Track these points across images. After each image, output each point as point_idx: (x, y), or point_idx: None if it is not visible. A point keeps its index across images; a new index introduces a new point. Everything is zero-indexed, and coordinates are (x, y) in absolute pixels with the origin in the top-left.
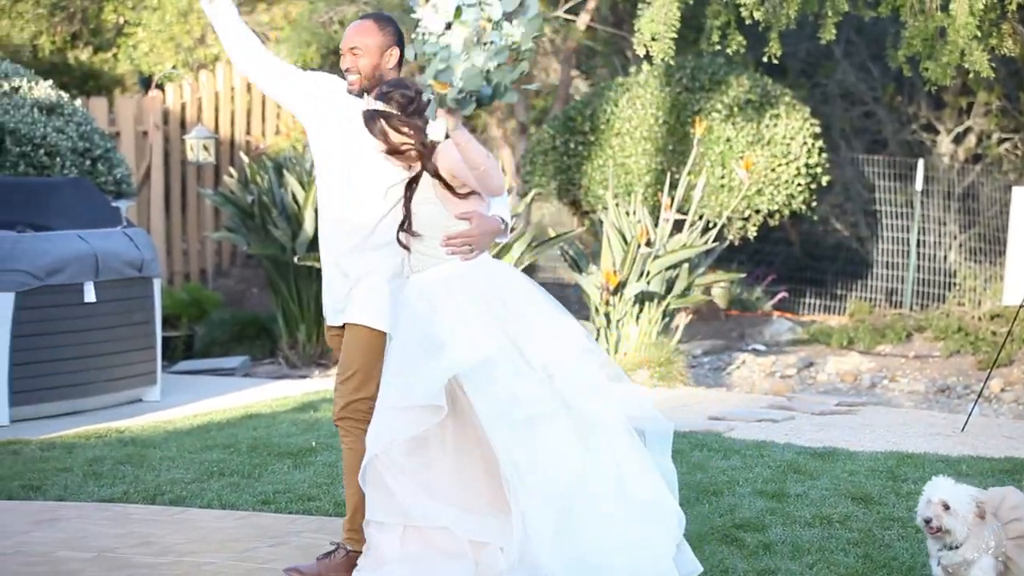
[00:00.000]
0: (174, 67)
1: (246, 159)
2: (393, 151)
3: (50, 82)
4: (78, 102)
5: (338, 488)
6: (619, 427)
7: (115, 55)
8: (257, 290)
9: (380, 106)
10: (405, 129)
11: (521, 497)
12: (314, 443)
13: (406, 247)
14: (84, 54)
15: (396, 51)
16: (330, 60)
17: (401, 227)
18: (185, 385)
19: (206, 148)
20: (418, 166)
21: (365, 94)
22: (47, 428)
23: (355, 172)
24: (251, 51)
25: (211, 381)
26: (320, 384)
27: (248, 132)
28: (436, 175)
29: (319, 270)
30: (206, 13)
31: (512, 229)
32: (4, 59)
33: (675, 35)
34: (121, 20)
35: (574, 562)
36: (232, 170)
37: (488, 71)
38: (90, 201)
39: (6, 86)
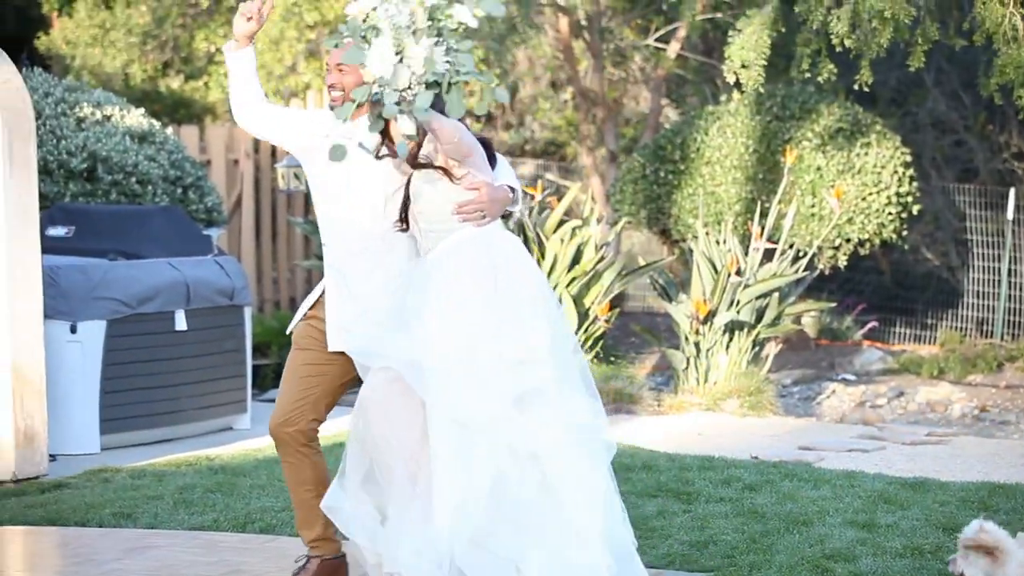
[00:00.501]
0: (265, 95)
1: None
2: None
3: (142, 110)
4: (169, 130)
5: None
6: (565, 439)
7: (206, 83)
8: None
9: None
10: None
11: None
12: None
13: (404, 230)
14: (175, 82)
15: None
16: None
17: (404, 211)
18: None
19: (297, 176)
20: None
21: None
22: (138, 456)
23: (354, 185)
24: (251, 101)
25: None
26: None
27: None
28: (429, 165)
29: None
30: (227, 59)
31: (523, 195)
32: (97, 87)
33: (765, 63)
34: (212, 48)
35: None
36: None
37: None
38: (181, 229)
39: (99, 114)
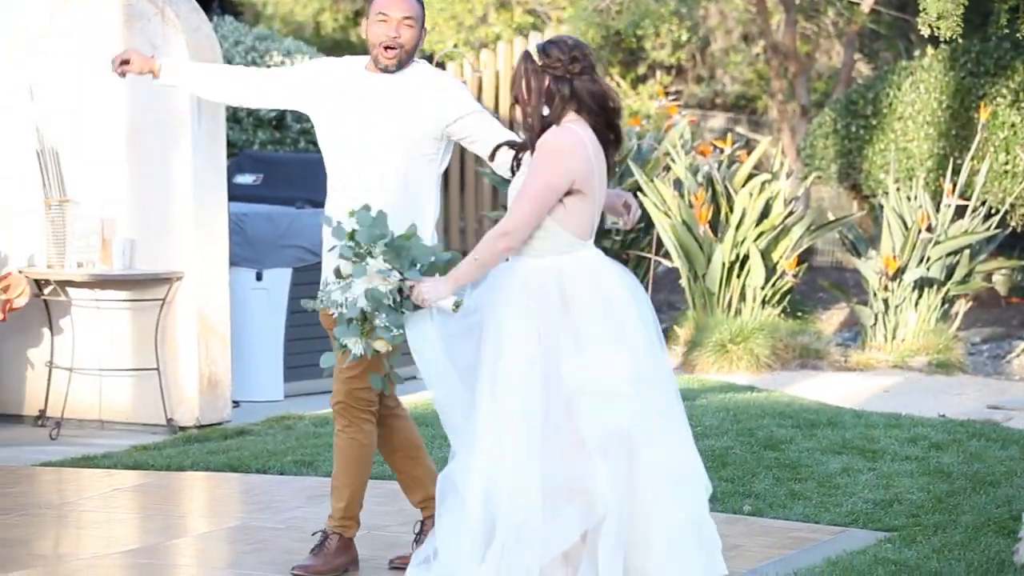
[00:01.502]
0: (456, 45)
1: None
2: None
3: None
4: None
5: None
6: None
7: None
8: None
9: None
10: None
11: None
12: None
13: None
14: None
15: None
16: (609, 44)
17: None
18: None
19: None
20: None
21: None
22: (320, 404)
23: (373, 151)
24: (236, 88)
25: None
26: None
27: None
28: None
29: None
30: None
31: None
32: (288, 36)
33: (962, 14)
34: None
35: None
36: None
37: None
38: None
39: (288, 63)
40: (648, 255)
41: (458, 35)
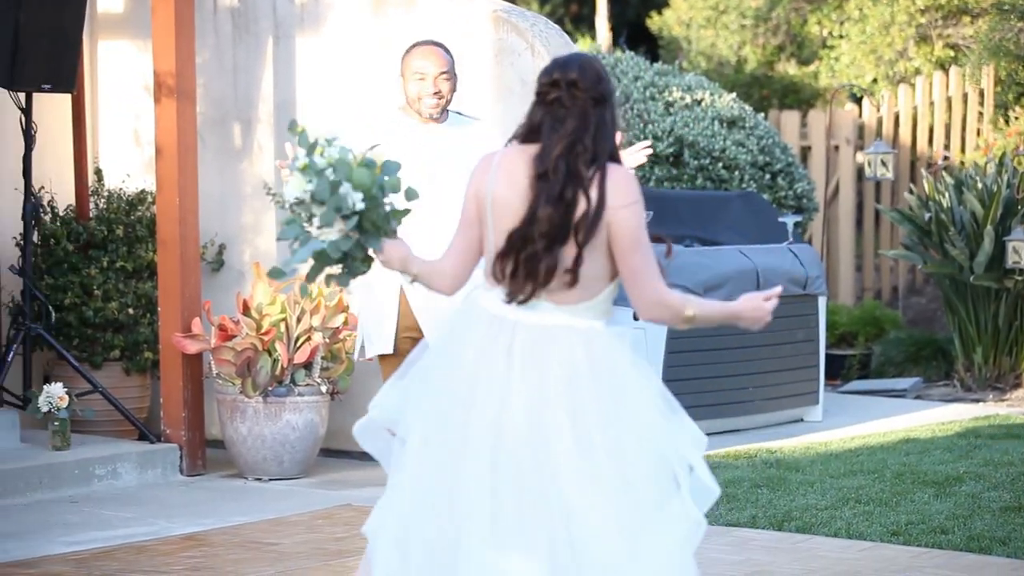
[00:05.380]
0: (874, 80)
1: (925, 175)
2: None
3: (733, 95)
4: (761, 115)
5: (975, 522)
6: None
7: (817, 68)
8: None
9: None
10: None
11: None
12: (963, 471)
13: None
14: (789, 67)
15: None
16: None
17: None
18: (850, 406)
19: (884, 163)
20: None
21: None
22: None
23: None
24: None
25: (878, 402)
26: (993, 409)
27: (947, 147)
28: None
29: (997, 290)
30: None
31: None
32: (708, 70)
33: None
34: (824, 32)
35: None
36: (912, 186)
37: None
38: (759, 216)
39: (688, 98)
40: None
41: (877, 69)
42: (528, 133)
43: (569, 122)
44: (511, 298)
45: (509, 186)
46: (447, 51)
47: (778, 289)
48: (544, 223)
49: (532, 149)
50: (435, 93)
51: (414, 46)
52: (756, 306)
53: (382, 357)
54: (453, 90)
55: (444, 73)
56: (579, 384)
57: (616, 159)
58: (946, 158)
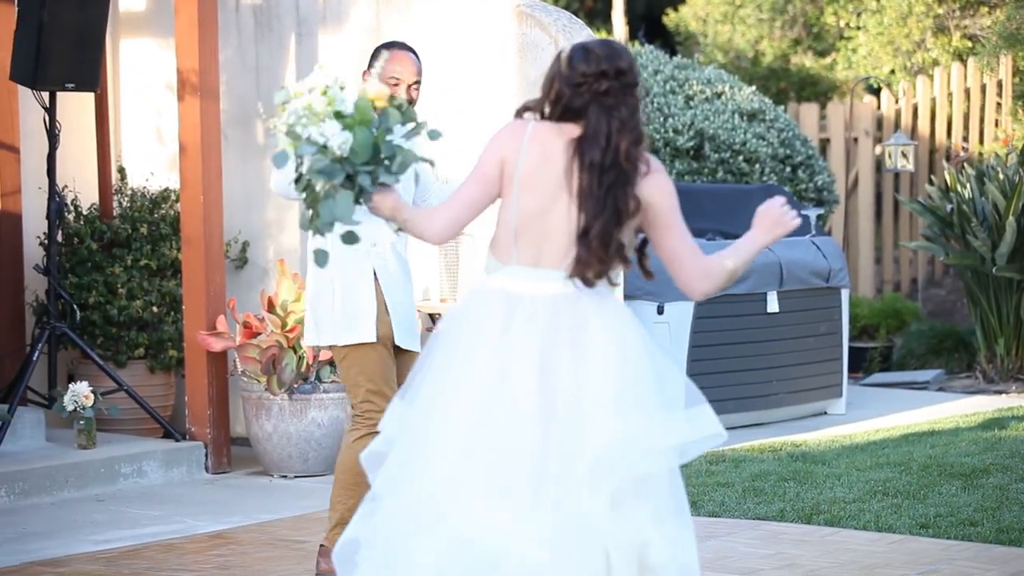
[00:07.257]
0: (892, 71)
1: (947, 166)
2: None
3: (753, 88)
4: (780, 108)
5: (1004, 513)
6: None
7: (834, 60)
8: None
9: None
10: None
11: None
12: (990, 463)
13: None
14: (806, 59)
15: None
16: None
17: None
18: (873, 398)
19: (904, 155)
20: None
21: None
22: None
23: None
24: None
25: (901, 395)
26: (1016, 400)
27: (965, 139)
28: None
29: (1019, 281)
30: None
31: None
32: (725, 64)
33: None
34: (841, 24)
35: None
36: (933, 178)
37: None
38: None
39: (708, 92)
40: None
41: (895, 60)
42: (563, 113)
43: (623, 110)
44: (584, 281)
45: (542, 160)
46: (419, 58)
47: (781, 198)
48: (611, 207)
49: (570, 129)
50: (408, 101)
51: (389, 48)
52: (775, 219)
53: (356, 346)
54: (416, 100)
55: (416, 83)
56: (617, 349)
57: None
58: (965, 149)
